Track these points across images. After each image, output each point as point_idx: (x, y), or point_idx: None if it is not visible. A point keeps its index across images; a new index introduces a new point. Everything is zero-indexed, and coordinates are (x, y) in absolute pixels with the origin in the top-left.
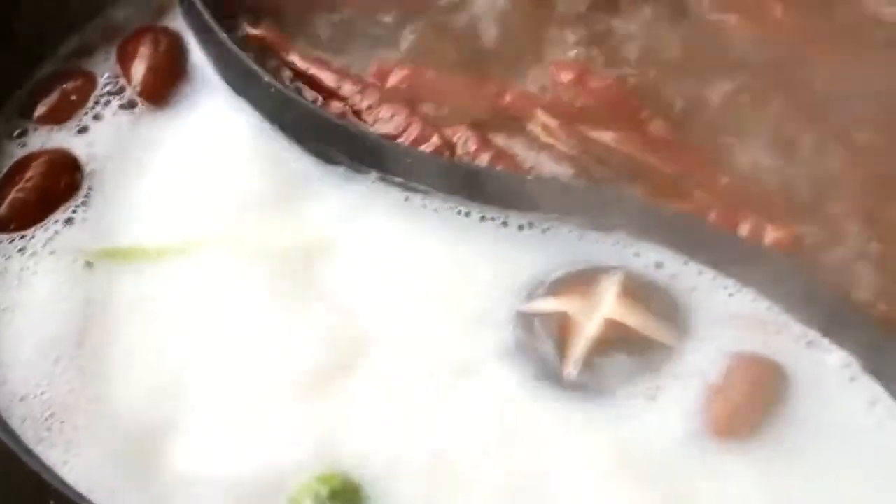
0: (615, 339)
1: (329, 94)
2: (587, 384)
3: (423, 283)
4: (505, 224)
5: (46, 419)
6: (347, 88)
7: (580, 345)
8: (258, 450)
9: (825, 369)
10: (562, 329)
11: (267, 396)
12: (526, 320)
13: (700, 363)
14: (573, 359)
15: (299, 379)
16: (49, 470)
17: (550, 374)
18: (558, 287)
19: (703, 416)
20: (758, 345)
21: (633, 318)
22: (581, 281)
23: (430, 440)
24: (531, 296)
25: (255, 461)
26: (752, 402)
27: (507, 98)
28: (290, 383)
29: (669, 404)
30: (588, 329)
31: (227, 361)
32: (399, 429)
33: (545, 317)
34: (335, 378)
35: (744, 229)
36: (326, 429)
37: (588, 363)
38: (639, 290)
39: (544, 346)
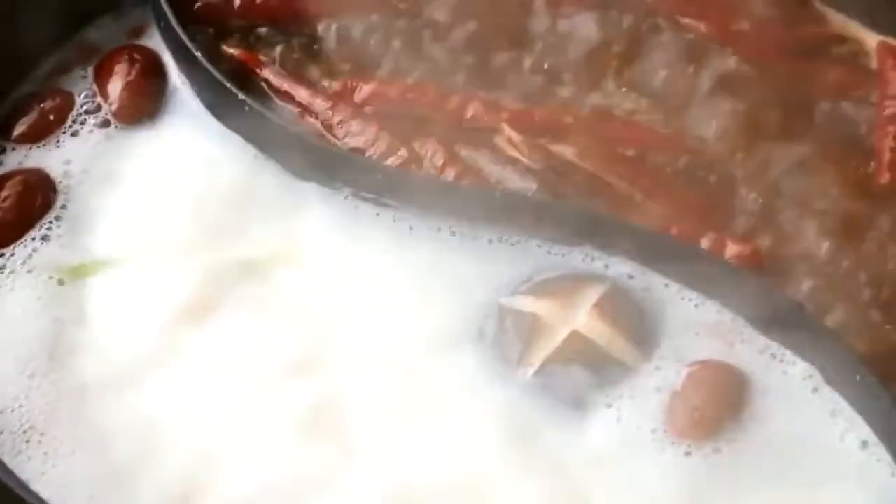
0: (576, 352)
1: (302, 109)
2: (542, 388)
3: (393, 297)
4: (475, 238)
5: (25, 432)
6: (319, 104)
7: (542, 350)
8: (229, 462)
9: (788, 380)
10: (530, 330)
11: (238, 406)
12: (502, 314)
13: (663, 374)
14: (532, 362)
15: (268, 388)
16: (24, 485)
17: (509, 372)
18: (541, 288)
19: (663, 418)
20: (722, 355)
21: (600, 334)
22: (563, 286)
23: (393, 454)
24: (515, 291)
25: (225, 473)
26: (712, 406)
27: (473, 111)
28: (261, 392)
29: (626, 412)
30: (554, 336)
31: (195, 372)
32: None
33: (519, 315)
34: (299, 385)
35: (705, 243)
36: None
37: (545, 369)
38: (614, 306)
39: (510, 344)
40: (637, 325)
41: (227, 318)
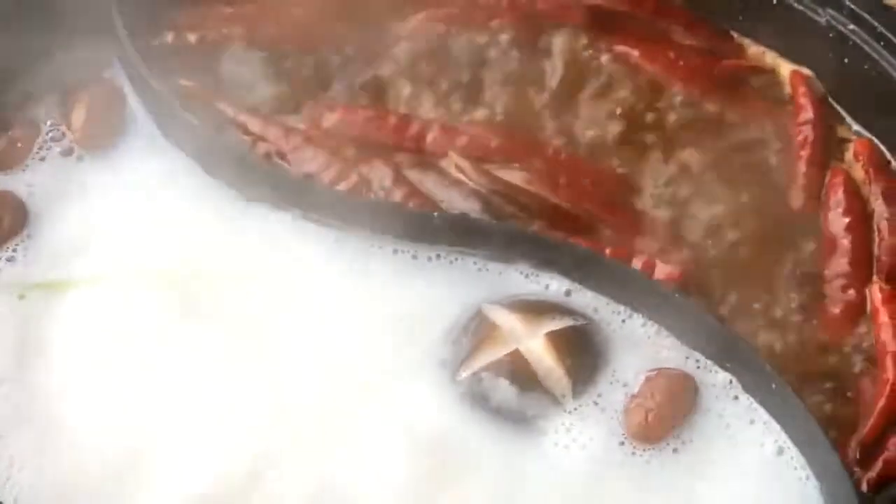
0: (510, 370)
1: (256, 137)
2: (472, 394)
3: (336, 311)
4: (415, 257)
5: None
6: (272, 132)
7: (484, 357)
8: (195, 467)
9: (714, 388)
10: (485, 337)
11: (195, 421)
12: (475, 317)
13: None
14: (470, 365)
15: (223, 401)
16: None
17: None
18: (518, 306)
19: (620, 422)
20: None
21: (539, 360)
22: (538, 309)
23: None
24: (497, 301)
25: (195, 477)
26: (668, 410)
27: (433, 136)
28: (216, 407)
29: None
30: (499, 348)
31: (153, 384)
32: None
33: (482, 319)
34: (254, 399)
35: (636, 263)
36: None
37: (478, 375)
38: (567, 341)
39: (463, 342)
40: (585, 366)
41: (181, 330)
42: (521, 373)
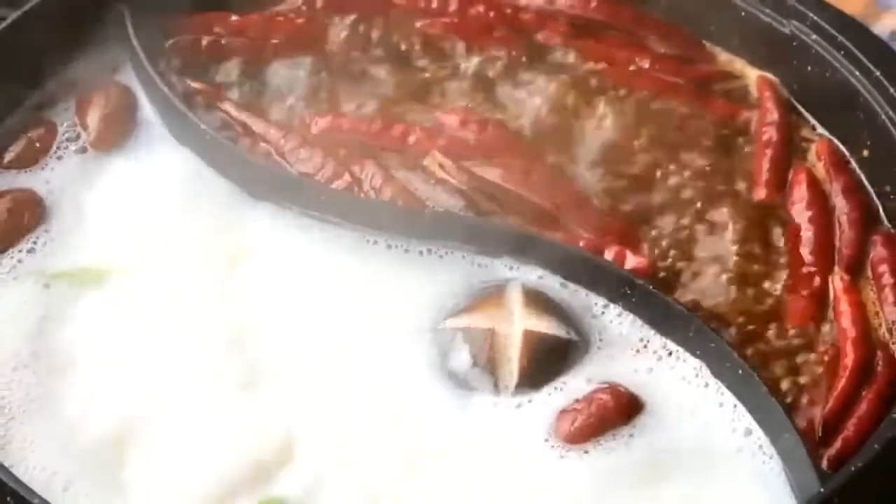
0: (537, 346)
1: (258, 137)
2: (521, 390)
3: (336, 301)
4: (407, 251)
5: (7, 422)
6: (272, 134)
7: (510, 362)
8: (208, 455)
9: (685, 375)
10: (490, 346)
11: (211, 406)
12: (446, 336)
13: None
14: (509, 371)
15: (238, 388)
16: (6, 469)
17: (475, 387)
18: (472, 305)
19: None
20: (628, 352)
21: (546, 326)
22: (484, 299)
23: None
24: (448, 314)
25: (206, 465)
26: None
27: (415, 138)
28: (229, 393)
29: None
30: (513, 342)
31: (165, 363)
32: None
33: (471, 331)
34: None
35: (608, 255)
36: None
37: (522, 373)
38: (538, 300)
39: (468, 361)
40: (564, 313)
41: (189, 317)
42: (547, 344)
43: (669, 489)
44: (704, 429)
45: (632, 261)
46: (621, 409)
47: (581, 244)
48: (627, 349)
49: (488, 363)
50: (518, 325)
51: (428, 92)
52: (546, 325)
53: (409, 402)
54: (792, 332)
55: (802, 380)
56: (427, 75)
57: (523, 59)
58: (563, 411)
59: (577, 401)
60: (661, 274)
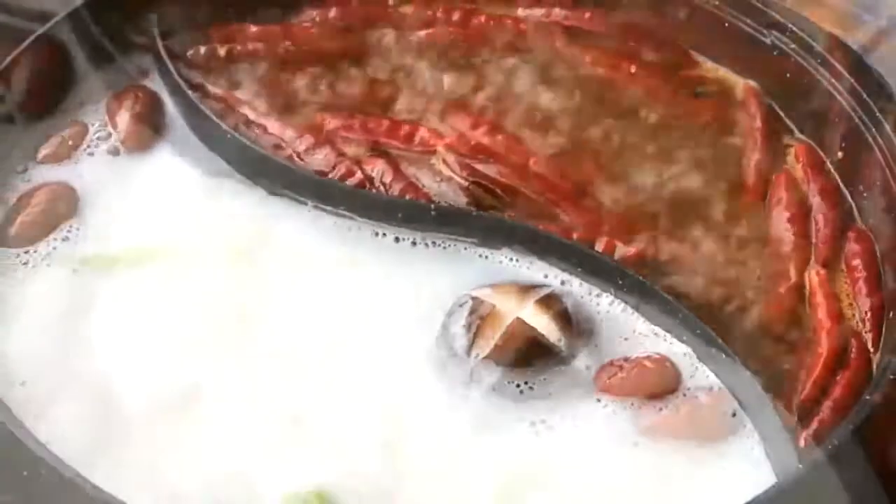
0: (520, 336)
1: (275, 138)
2: (487, 363)
3: (347, 291)
4: (414, 244)
5: (44, 401)
6: (288, 134)
7: (492, 332)
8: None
9: (676, 358)
10: (484, 317)
11: (232, 393)
12: (462, 299)
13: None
14: (485, 342)
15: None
16: (43, 446)
17: (455, 348)
18: (502, 286)
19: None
20: (622, 335)
21: (539, 323)
22: (523, 287)
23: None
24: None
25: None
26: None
27: (420, 137)
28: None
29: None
30: (503, 322)
31: (187, 352)
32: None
33: (481, 301)
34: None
35: (599, 246)
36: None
37: (495, 349)
38: (552, 303)
39: (463, 321)
40: (570, 323)
41: (213, 301)
42: (527, 336)
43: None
44: (696, 410)
45: (621, 250)
46: (660, 381)
47: (574, 236)
48: (617, 335)
49: (475, 329)
50: (517, 312)
51: (430, 94)
52: (541, 325)
53: (404, 389)
54: (772, 321)
55: (783, 366)
56: (429, 79)
57: (524, 64)
58: (608, 364)
59: (625, 358)
60: (650, 263)
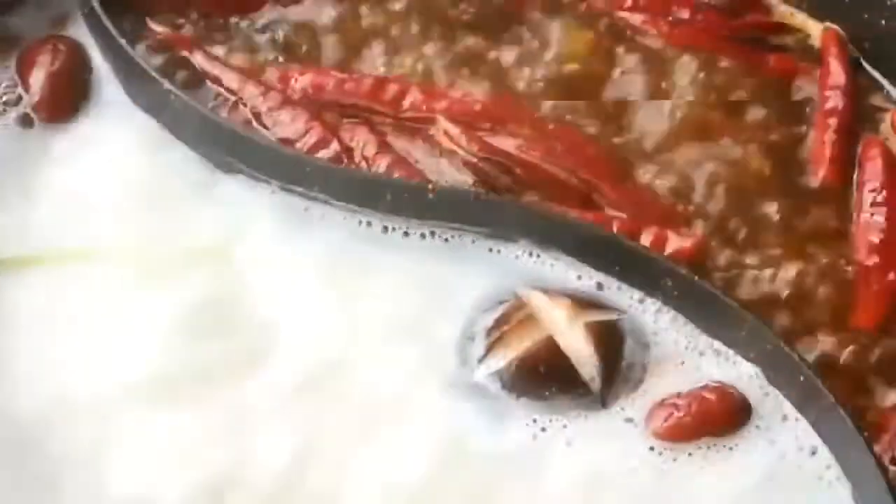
0: (541, 357)
1: (233, 97)
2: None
3: (323, 292)
4: (406, 234)
5: None
6: (249, 90)
7: (515, 345)
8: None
9: (741, 384)
10: (517, 323)
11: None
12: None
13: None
14: (500, 354)
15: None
16: None
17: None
18: (561, 295)
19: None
20: (674, 357)
21: (574, 350)
22: (580, 300)
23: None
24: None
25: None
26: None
27: (411, 100)
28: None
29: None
30: (532, 338)
31: (121, 363)
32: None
33: (516, 303)
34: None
35: (646, 239)
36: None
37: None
38: (603, 333)
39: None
40: (618, 364)
41: (150, 305)
42: (553, 361)
43: None
44: (769, 446)
45: (675, 243)
46: (727, 415)
47: (615, 226)
48: (666, 356)
49: (497, 335)
50: (556, 330)
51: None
52: (579, 355)
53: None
54: (859, 334)
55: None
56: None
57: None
58: (660, 404)
59: (678, 395)
60: (708, 263)
